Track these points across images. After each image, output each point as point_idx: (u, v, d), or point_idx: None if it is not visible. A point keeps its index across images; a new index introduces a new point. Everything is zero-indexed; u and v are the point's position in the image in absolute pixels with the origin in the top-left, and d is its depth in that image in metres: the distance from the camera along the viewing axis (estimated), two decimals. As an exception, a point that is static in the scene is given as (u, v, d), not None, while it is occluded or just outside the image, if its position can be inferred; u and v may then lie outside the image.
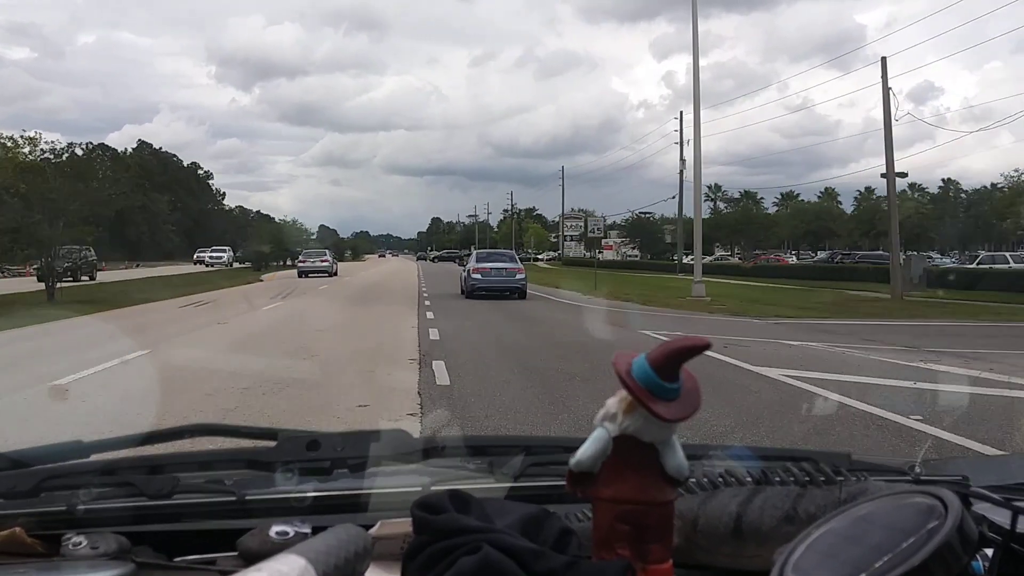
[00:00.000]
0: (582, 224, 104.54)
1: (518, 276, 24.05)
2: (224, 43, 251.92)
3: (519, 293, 23.63)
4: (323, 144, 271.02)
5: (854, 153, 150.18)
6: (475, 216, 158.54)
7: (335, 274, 44.22)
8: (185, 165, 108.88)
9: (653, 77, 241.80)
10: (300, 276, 41.29)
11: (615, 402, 0.85)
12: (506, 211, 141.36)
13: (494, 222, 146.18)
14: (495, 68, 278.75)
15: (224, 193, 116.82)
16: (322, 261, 45.21)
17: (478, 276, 23.96)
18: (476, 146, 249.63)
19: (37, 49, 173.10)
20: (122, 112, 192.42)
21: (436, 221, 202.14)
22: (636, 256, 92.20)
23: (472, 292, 23.50)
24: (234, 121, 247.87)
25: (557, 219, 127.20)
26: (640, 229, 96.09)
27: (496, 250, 35.56)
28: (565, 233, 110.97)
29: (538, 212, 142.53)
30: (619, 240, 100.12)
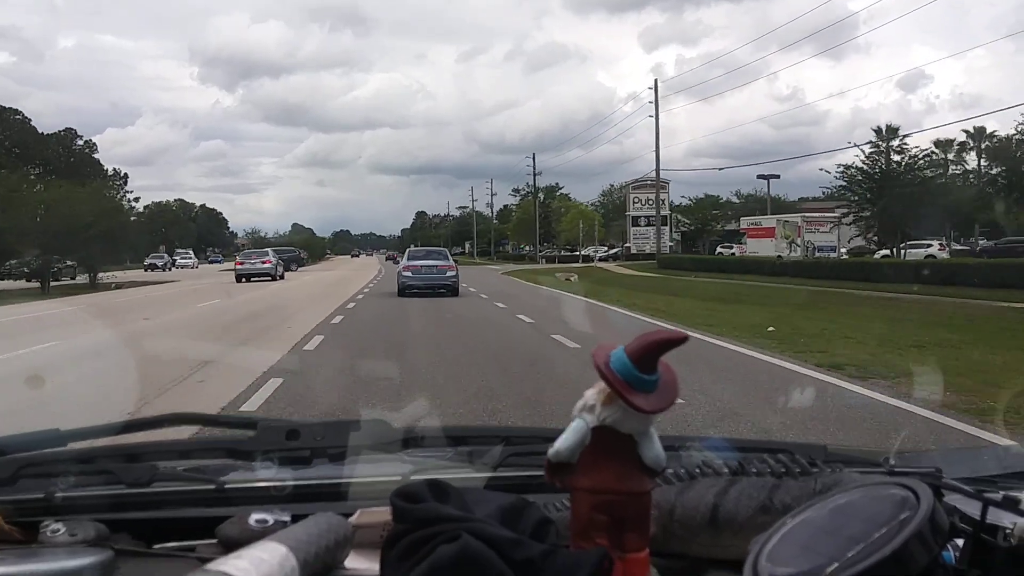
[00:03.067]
0: (659, 197, 59.73)
1: (449, 273, 23.95)
2: (208, 43, 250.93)
3: (451, 290, 23.56)
4: (308, 145, 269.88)
5: (842, 142, 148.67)
6: (466, 207, 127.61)
7: (280, 278, 38.32)
8: (44, 132, 71.26)
9: (642, 69, 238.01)
10: (239, 280, 36.00)
11: (593, 393, 0.86)
12: (518, 192, 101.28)
13: (497, 208, 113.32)
14: (482, 63, 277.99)
15: (126, 175, 78.94)
16: (263, 263, 38.71)
17: (408, 274, 23.88)
18: (462, 143, 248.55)
19: (16, 53, 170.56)
20: (103, 116, 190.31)
21: (421, 216, 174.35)
22: (834, 251, 46.43)
23: (404, 290, 23.41)
24: (218, 123, 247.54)
25: (590, 205, 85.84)
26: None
27: (431, 248, 33.83)
28: (639, 212, 67.01)
29: (563, 191, 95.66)
30: (822, 216, 50.06)
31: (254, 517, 1.01)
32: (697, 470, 0.99)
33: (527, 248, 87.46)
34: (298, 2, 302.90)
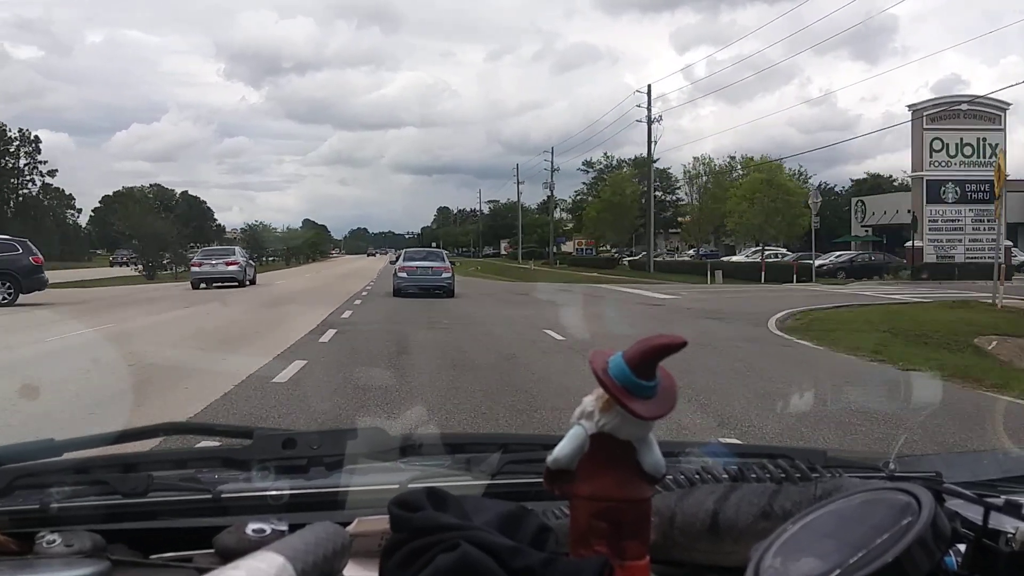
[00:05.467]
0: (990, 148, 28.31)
1: (444, 275, 24.07)
2: (234, 39, 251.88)
3: (446, 291, 23.68)
4: (331, 143, 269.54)
5: (871, 149, 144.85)
6: (497, 200, 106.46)
7: (252, 283, 31.68)
8: None
9: (673, 70, 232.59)
10: (196, 287, 29.04)
11: (592, 400, 0.86)
12: (590, 166, 73.90)
13: (537, 201, 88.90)
14: (509, 63, 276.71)
15: (36, 138, 68.38)
16: (227, 265, 30.51)
17: (404, 275, 24.01)
18: (485, 143, 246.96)
19: (44, 47, 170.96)
20: (129, 111, 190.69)
21: (444, 211, 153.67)
22: None
23: (399, 291, 23.54)
24: (242, 120, 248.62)
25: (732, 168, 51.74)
26: None
27: (427, 249, 32.86)
28: (953, 173, 32.41)
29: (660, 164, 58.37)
30: None
31: (251, 527, 1.00)
32: (697, 476, 0.99)
33: (611, 250, 58.94)
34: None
